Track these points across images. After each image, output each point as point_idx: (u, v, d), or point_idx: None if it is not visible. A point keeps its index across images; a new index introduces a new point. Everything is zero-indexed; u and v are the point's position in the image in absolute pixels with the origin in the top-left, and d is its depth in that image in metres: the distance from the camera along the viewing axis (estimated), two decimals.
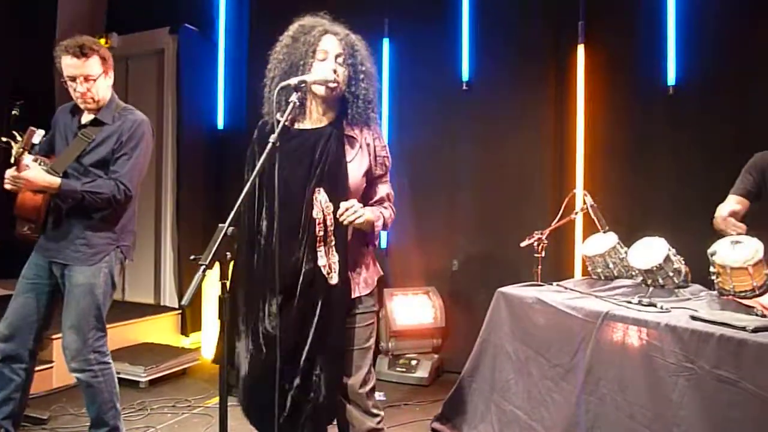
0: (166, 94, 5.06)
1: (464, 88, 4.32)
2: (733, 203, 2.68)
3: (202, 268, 1.37)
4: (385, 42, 4.47)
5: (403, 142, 4.36)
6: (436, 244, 4.44)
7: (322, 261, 1.90)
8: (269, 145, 1.63)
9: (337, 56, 1.96)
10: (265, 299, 1.93)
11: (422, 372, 4.00)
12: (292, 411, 1.90)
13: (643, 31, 3.85)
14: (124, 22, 5.24)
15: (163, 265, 5.07)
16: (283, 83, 1.80)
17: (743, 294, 2.27)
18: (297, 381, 1.90)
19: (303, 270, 1.89)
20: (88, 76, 2.50)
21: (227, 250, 1.41)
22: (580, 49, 3.97)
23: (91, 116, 2.58)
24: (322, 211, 1.90)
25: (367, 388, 2.01)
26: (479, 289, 4.02)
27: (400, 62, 4.48)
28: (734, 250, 2.29)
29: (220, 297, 1.45)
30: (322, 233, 1.91)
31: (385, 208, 2.06)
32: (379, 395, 3.56)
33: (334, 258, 1.91)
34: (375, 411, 2.03)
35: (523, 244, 3.12)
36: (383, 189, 2.08)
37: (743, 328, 1.94)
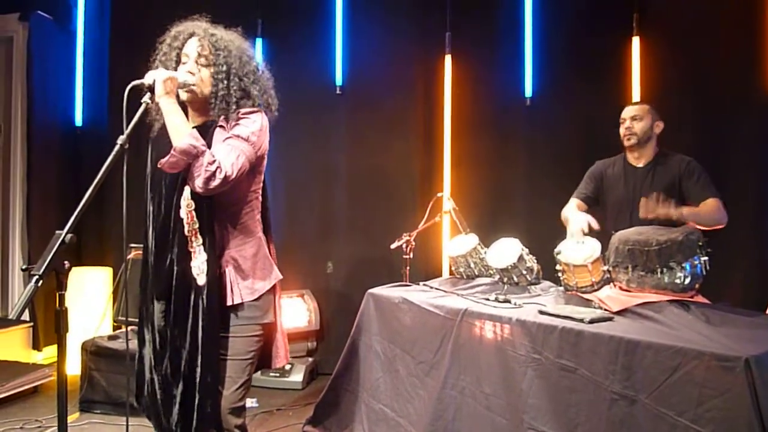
0: (15, 86, 4.60)
1: (338, 92, 4.36)
2: (574, 206, 2.93)
3: (35, 278, 1.27)
4: (258, 42, 4.40)
5: (276, 144, 4.30)
6: (310, 246, 4.43)
7: (192, 262, 1.88)
8: (116, 147, 1.55)
9: (197, 58, 1.91)
10: (149, 306, 1.95)
11: (296, 376, 3.97)
12: (180, 418, 1.89)
13: (503, 46, 4.12)
14: None
15: (10, 275, 4.61)
16: (134, 83, 1.74)
17: (584, 289, 2.49)
18: (181, 387, 1.88)
19: (174, 272, 1.88)
20: None
21: (65, 259, 1.32)
22: (448, 59, 4.16)
23: None
24: (187, 209, 1.88)
25: (236, 405, 1.94)
26: (354, 290, 4.05)
27: (274, 63, 4.42)
28: (576, 250, 2.52)
29: (56, 310, 1.35)
30: (189, 233, 1.89)
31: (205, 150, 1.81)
32: (251, 402, 3.49)
33: (202, 257, 1.88)
34: None
35: (392, 246, 3.23)
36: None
37: (581, 320, 2.13)
